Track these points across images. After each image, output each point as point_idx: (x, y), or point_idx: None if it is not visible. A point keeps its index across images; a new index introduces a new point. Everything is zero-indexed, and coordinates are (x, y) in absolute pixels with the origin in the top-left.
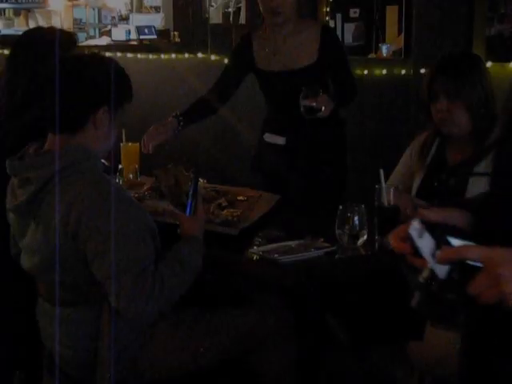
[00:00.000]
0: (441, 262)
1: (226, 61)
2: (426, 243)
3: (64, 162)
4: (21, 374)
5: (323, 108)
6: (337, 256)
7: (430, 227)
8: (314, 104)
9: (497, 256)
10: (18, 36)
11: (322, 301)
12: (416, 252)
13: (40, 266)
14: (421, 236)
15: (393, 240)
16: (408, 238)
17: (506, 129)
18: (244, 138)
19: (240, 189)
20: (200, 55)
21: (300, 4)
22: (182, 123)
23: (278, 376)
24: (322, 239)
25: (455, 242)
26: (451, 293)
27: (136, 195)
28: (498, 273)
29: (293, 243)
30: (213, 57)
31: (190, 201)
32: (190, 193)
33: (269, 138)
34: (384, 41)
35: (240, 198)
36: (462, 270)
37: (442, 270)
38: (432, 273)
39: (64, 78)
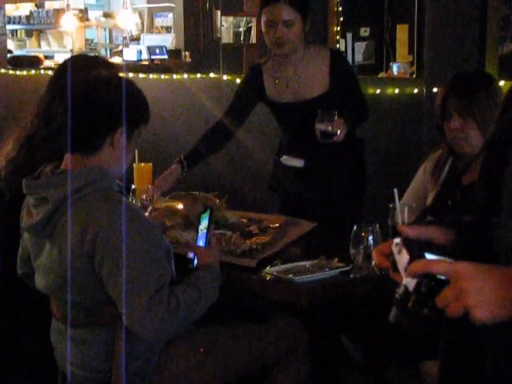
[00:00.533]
0: (409, 275)
1: (238, 80)
2: (402, 259)
3: (80, 181)
4: None
5: (339, 132)
6: (351, 275)
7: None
8: (330, 128)
9: (461, 270)
10: (64, 61)
11: (336, 321)
12: (396, 268)
13: (54, 285)
14: (399, 252)
15: (375, 255)
16: (391, 254)
17: (486, 145)
18: (256, 157)
19: (275, 217)
20: (212, 75)
21: (306, 32)
22: (185, 168)
23: None
24: (337, 259)
25: (431, 257)
26: (424, 307)
27: (169, 224)
28: (461, 286)
29: (307, 263)
30: (225, 77)
31: (206, 232)
32: (206, 224)
33: (286, 160)
34: (395, 60)
35: (273, 225)
36: (431, 284)
37: (411, 284)
38: (406, 288)
39: (82, 99)
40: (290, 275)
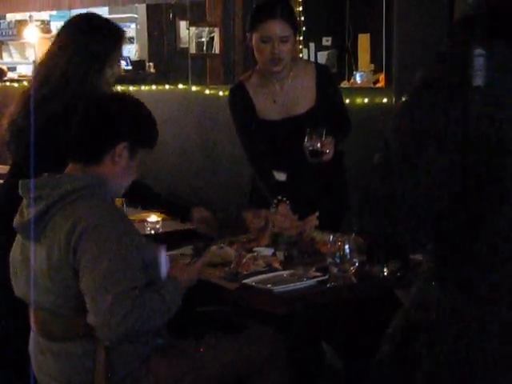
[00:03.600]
0: None
1: (206, 92)
2: None
3: (75, 184)
4: None
5: (327, 151)
6: (328, 285)
7: None
8: (319, 146)
9: None
10: (67, 21)
11: (315, 329)
12: None
13: (37, 292)
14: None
15: None
16: None
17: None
18: (234, 168)
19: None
20: (181, 86)
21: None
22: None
23: None
24: (314, 268)
25: None
26: None
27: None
28: None
29: (285, 273)
30: (194, 88)
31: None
32: (200, 247)
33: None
34: (357, 68)
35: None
36: None
37: None
38: None
39: (87, 111)
40: (269, 285)
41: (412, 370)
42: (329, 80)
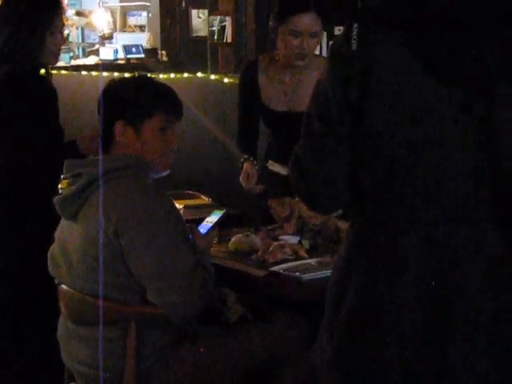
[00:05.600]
0: None
1: (225, 80)
2: None
3: (114, 164)
4: None
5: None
6: None
7: None
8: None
9: None
10: None
11: None
12: None
13: (75, 271)
14: None
15: None
16: None
17: None
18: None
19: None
20: (200, 74)
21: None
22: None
23: None
24: None
25: None
26: None
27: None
28: None
29: (313, 261)
30: (212, 76)
31: (210, 226)
32: (214, 220)
33: (272, 166)
34: None
35: None
36: None
37: None
38: None
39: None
40: (297, 273)
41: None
42: None
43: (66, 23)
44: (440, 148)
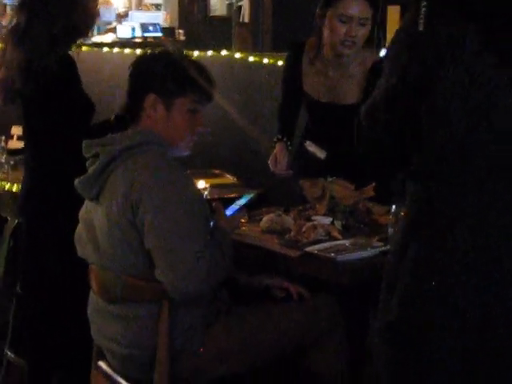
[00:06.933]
0: None
1: (250, 59)
2: None
3: (131, 140)
4: (60, 372)
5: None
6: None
7: None
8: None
9: None
10: None
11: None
12: None
13: (103, 250)
14: None
15: None
16: None
17: None
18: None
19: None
20: (224, 52)
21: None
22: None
23: (332, 376)
24: (377, 238)
25: None
26: None
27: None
28: None
29: (347, 242)
30: (237, 55)
31: (237, 208)
32: (242, 203)
33: (310, 146)
34: (385, 42)
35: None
36: None
37: None
38: None
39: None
40: (332, 254)
41: None
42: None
43: None
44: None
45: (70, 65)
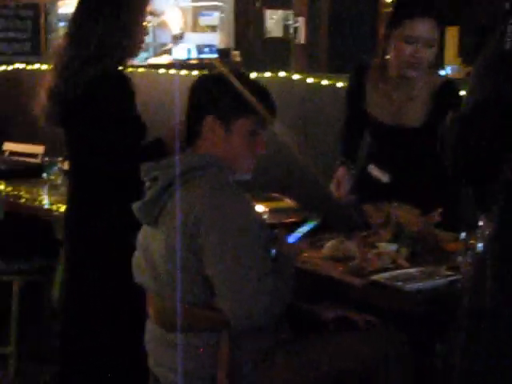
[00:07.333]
0: None
1: (309, 80)
2: None
3: (188, 164)
4: None
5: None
6: (460, 285)
7: None
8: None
9: None
10: None
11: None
12: None
13: (161, 277)
14: None
15: None
16: None
17: None
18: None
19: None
20: (282, 74)
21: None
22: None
23: None
24: (445, 267)
25: None
26: None
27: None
28: None
29: (414, 270)
30: (295, 76)
31: (299, 236)
32: (305, 231)
33: (372, 170)
34: (443, 62)
35: None
36: None
37: None
38: None
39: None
40: (400, 282)
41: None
42: (452, 100)
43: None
44: None
45: (124, 82)
